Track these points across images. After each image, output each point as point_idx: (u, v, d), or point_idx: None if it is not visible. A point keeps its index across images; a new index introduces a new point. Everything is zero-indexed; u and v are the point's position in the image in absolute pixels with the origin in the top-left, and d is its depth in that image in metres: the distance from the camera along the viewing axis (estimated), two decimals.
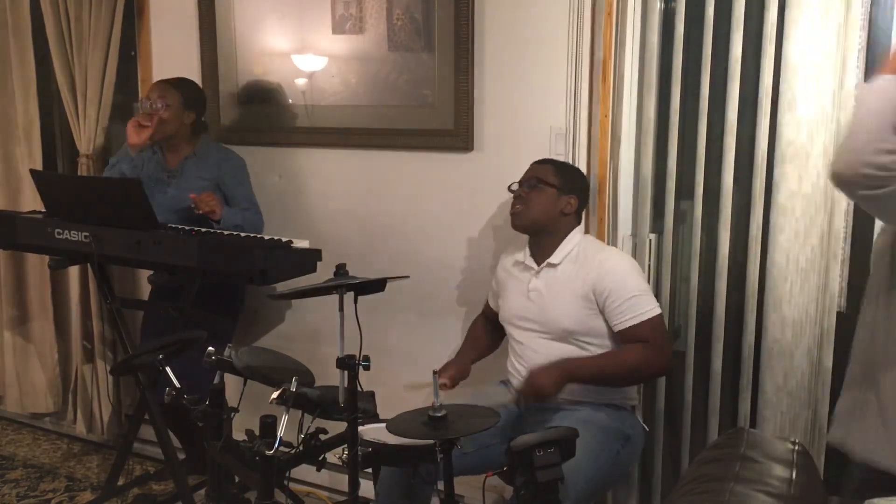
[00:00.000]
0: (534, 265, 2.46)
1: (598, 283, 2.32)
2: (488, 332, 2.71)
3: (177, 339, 2.42)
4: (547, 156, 2.59)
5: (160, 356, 2.32)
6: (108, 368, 3.46)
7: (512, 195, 2.48)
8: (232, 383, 2.22)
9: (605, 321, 2.34)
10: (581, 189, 2.47)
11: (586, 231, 2.60)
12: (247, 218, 2.90)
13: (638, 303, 2.30)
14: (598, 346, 2.37)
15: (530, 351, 2.42)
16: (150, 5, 3.31)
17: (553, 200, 2.40)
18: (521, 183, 2.46)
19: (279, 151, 3.10)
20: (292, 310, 3.24)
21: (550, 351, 2.37)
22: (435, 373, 1.94)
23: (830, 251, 2.37)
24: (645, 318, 2.30)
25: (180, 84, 2.94)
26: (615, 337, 2.35)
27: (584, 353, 2.36)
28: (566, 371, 2.27)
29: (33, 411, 3.77)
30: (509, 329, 2.52)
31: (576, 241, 2.43)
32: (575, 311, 2.35)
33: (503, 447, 1.86)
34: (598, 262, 2.35)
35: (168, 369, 2.29)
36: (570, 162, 2.58)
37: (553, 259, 2.41)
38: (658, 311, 2.33)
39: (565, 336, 2.37)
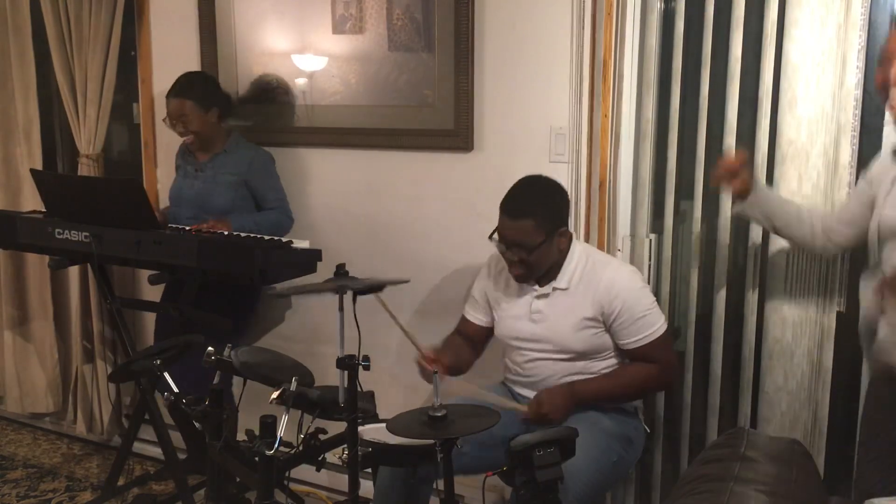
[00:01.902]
0: (535, 286, 2.36)
1: (607, 304, 2.27)
2: (468, 354, 2.52)
3: (175, 343, 2.41)
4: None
5: (157, 361, 2.32)
6: (108, 370, 3.46)
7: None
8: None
9: (612, 337, 2.32)
10: (565, 212, 2.35)
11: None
12: (266, 220, 2.93)
13: (646, 322, 2.27)
14: (605, 360, 2.34)
15: (532, 365, 2.38)
16: (150, 5, 3.31)
17: (548, 252, 2.28)
18: (507, 245, 2.26)
19: (279, 151, 3.09)
20: (292, 310, 3.23)
21: (556, 368, 2.34)
22: (435, 373, 1.94)
23: None
24: (653, 337, 2.28)
25: (189, 90, 2.91)
26: (621, 351, 2.34)
27: (591, 366, 2.33)
28: (574, 397, 2.27)
29: (33, 411, 3.77)
30: (508, 348, 2.45)
31: (577, 257, 2.33)
32: (583, 334, 2.30)
33: (503, 446, 1.85)
34: (606, 282, 2.28)
35: (166, 374, 2.29)
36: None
37: (559, 283, 2.32)
38: (665, 326, 2.31)
39: (573, 356, 2.33)
